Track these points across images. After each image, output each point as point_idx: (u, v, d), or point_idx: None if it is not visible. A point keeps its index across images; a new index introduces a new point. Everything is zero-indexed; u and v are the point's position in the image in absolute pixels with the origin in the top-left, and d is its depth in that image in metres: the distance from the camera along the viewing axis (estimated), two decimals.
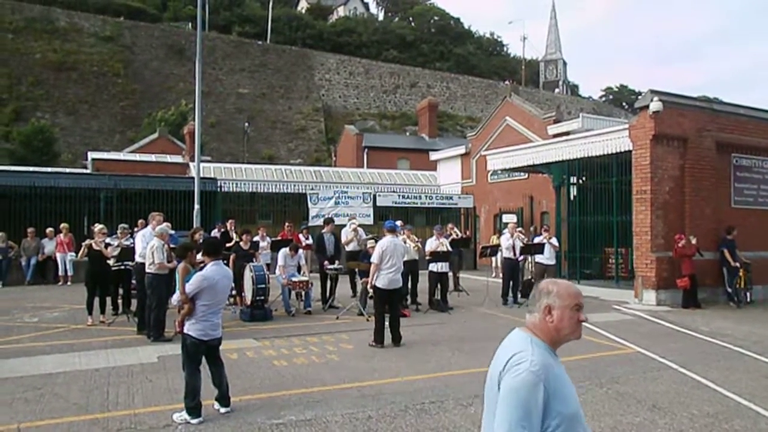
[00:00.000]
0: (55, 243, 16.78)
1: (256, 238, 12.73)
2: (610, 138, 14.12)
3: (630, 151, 13.44)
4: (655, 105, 12.63)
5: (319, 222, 17.07)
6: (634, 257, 13.51)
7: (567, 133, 18.07)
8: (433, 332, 9.74)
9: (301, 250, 12.08)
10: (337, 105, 63.28)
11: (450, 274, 13.08)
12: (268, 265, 12.13)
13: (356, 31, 75.09)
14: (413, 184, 28.24)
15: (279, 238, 13.18)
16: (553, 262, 13.37)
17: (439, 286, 12.06)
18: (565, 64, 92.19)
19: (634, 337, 9.31)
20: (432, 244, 12.25)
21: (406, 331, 8.90)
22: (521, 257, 13.31)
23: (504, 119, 23.76)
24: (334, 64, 65.45)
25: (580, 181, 17.38)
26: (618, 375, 7.01)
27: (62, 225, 16.70)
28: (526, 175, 21.25)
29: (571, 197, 17.39)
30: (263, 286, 10.60)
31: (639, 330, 10.04)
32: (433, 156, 29.41)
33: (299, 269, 11.73)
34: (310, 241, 14.56)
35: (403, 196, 22.91)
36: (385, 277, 8.56)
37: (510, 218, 18.41)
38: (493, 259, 17.69)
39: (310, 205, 20.54)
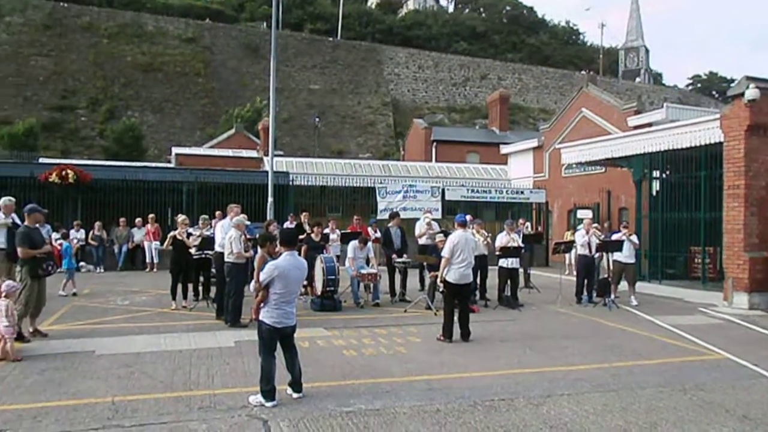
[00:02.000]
0: (143, 232, 17.85)
1: (326, 231, 13.02)
2: (699, 129, 13.37)
3: (721, 143, 12.58)
4: (751, 93, 11.74)
5: (387, 215, 17.20)
6: (723, 257, 12.69)
7: (649, 125, 17.30)
8: (502, 329, 9.63)
9: (370, 243, 12.24)
10: (405, 99, 63.36)
11: (521, 270, 12.87)
12: (338, 256, 12.39)
13: (426, 24, 74.83)
14: (483, 178, 27.88)
15: (348, 230, 13.42)
16: (632, 260, 12.87)
17: (509, 282, 11.87)
18: (647, 51, 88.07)
19: (723, 342, 8.75)
20: (502, 239, 12.09)
21: (475, 327, 8.85)
22: (597, 254, 12.90)
23: (580, 111, 23.05)
24: (403, 58, 65.52)
25: (664, 176, 16.60)
26: (704, 382, 6.63)
27: (149, 216, 17.75)
28: (604, 169, 20.56)
29: (654, 192, 16.63)
30: (333, 277, 10.83)
31: (728, 335, 9.44)
32: (504, 149, 28.91)
33: (368, 261, 11.91)
34: (378, 234, 14.73)
35: (473, 190, 22.69)
36: (456, 272, 8.54)
37: (585, 214, 17.85)
38: (567, 256, 17.24)
39: (378, 198, 20.73)
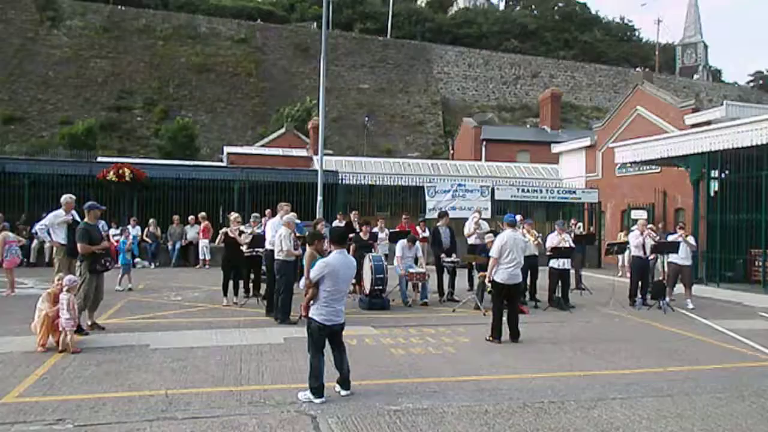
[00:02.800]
0: (197, 229, 18.34)
1: (375, 230, 13.04)
2: (761, 127, 12.79)
3: None
4: None
5: (436, 215, 17.11)
6: None
7: (708, 123, 16.66)
8: (553, 331, 9.44)
9: (418, 242, 12.20)
10: (455, 98, 62.92)
11: (572, 271, 12.58)
12: (386, 255, 12.39)
13: (476, 22, 74.09)
14: (533, 177, 27.41)
15: (397, 229, 13.41)
16: (689, 262, 12.39)
17: (560, 283, 11.66)
18: (705, 47, 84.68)
19: None
20: (553, 239, 11.85)
21: (524, 328, 8.71)
22: (652, 256, 12.48)
23: (635, 109, 22.38)
24: (453, 57, 65.07)
25: (722, 175, 15.93)
26: (763, 389, 6.36)
27: (200, 214, 18.21)
28: (659, 169, 19.90)
29: (712, 192, 16.00)
30: (381, 276, 10.84)
31: None
32: (555, 148, 28.36)
33: (416, 261, 11.86)
34: (426, 233, 14.65)
35: (523, 190, 22.34)
36: (504, 272, 8.42)
37: (640, 214, 17.28)
38: (620, 257, 16.79)
39: (427, 197, 20.66)
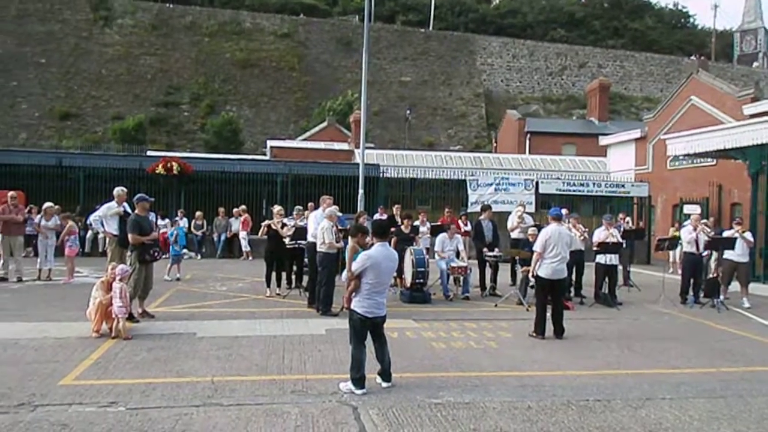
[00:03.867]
0: (240, 222, 18.69)
1: (416, 223, 13.01)
2: None
3: None
4: None
5: (478, 208, 16.96)
6: None
7: None
8: (599, 327, 9.23)
9: (459, 236, 12.10)
10: (498, 89, 62.11)
11: (620, 267, 12.27)
12: (427, 249, 12.34)
13: (521, 11, 72.78)
14: (579, 170, 26.85)
15: (439, 223, 13.33)
16: (746, 259, 11.91)
17: (607, 279, 11.37)
18: (766, 32, 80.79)
19: None
20: (601, 234, 11.58)
21: (569, 324, 8.53)
22: (705, 252, 12.04)
23: (688, 99, 21.61)
24: (497, 48, 64.19)
25: None
26: None
27: (241, 207, 18.56)
28: (714, 162, 19.17)
29: None
30: (423, 269, 10.80)
31: None
32: (603, 141, 27.66)
33: (458, 254, 11.79)
34: (468, 227, 14.52)
35: (569, 183, 21.86)
36: (549, 267, 8.27)
37: (693, 209, 16.66)
38: (671, 253, 16.27)
39: (469, 191, 20.48)
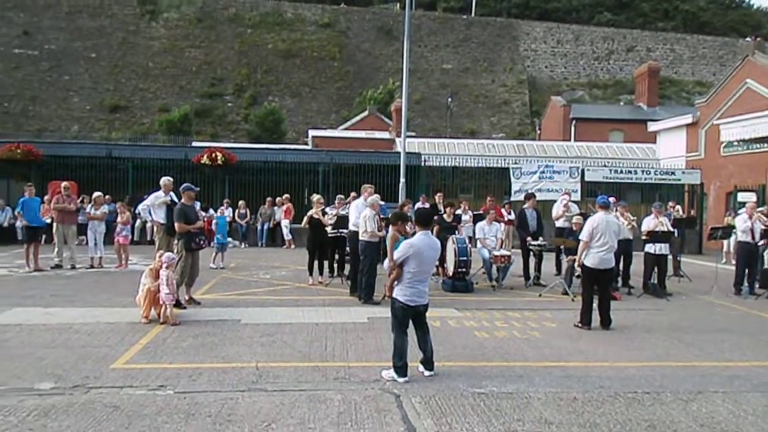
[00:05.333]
0: (282, 211, 18.93)
1: (458, 212, 12.89)
2: None
3: None
4: None
5: (522, 197, 16.69)
6: None
7: None
8: (647, 318, 8.97)
9: (498, 223, 11.93)
10: (542, 76, 60.83)
11: (669, 256, 11.88)
12: (470, 238, 12.23)
13: None
14: (627, 157, 26.11)
15: (481, 211, 13.18)
16: None
17: (656, 269, 11.04)
18: None
19: None
20: (650, 223, 11.23)
21: (616, 315, 8.32)
22: (761, 242, 11.54)
23: (744, 82, 20.72)
24: (541, 33, 62.81)
25: None
26: None
27: (284, 196, 18.76)
28: None
29: None
30: (465, 258, 10.72)
31: None
32: (652, 127, 26.82)
33: (501, 244, 11.64)
34: (512, 216, 14.31)
35: (616, 171, 21.26)
36: (595, 256, 8.06)
37: (748, 197, 16.02)
38: (725, 242, 15.67)
39: (512, 179, 20.17)
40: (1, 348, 6.44)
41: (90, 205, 13.43)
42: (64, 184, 13.05)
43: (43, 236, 13.11)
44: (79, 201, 14.14)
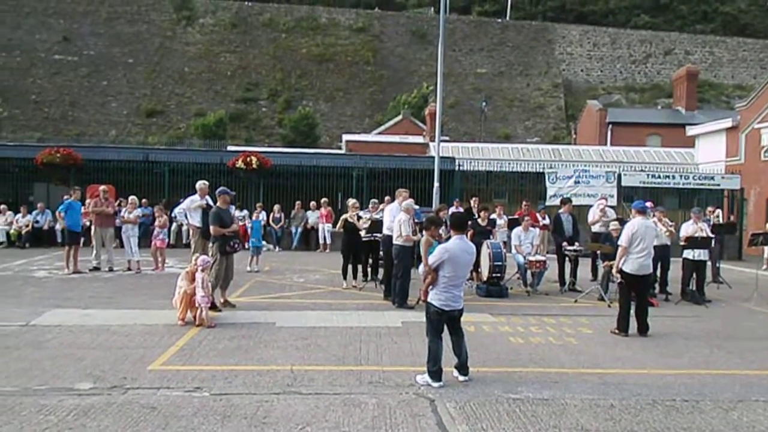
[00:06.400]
0: (317, 215, 19.06)
1: (493, 216, 12.80)
2: None
3: None
4: None
5: (557, 202, 16.49)
6: None
7: None
8: (686, 325, 8.76)
9: (537, 229, 11.79)
10: (578, 79, 60.01)
11: (708, 263, 11.58)
12: (504, 243, 12.12)
13: None
14: (665, 162, 25.54)
15: (516, 216, 13.06)
16: None
17: (695, 275, 10.78)
18: None
19: None
20: (688, 228, 10.97)
21: (654, 322, 8.15)
22: None
23: None
24: (577, 36, 61.99)
25: None
26: None
27: (322, 200, 18.89)
28: None
29: None
30: (500, 263, 10.62)
31: None
32: (691, 131, 26.20)
33: (535, 249, 11.52)
34: (547, 221, 14.15)
35: (653, 176, 20.81)
36: (634, 262, 7.91)
37: None
38: (766, 249, 15.20)
39: (547, 184, 19.92)
40: (41, 348, 6.61)
41: (124, 209, 13.66)
42: (102, 187, 13.33)
43: (82, 239, 13.43)
44: (116, 204, 14.45)
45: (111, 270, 12.77)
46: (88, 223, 13.05)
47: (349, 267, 11.40)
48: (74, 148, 20.38)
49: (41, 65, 54.42)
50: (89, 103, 53.11)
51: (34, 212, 18.07)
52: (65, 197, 15.53)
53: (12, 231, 17.44)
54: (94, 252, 12.94)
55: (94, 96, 53.64)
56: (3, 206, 17.96)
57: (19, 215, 17.78)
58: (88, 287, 10.80)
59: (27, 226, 17.57)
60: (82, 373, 5.74)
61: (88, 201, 13.25)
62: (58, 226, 17.05)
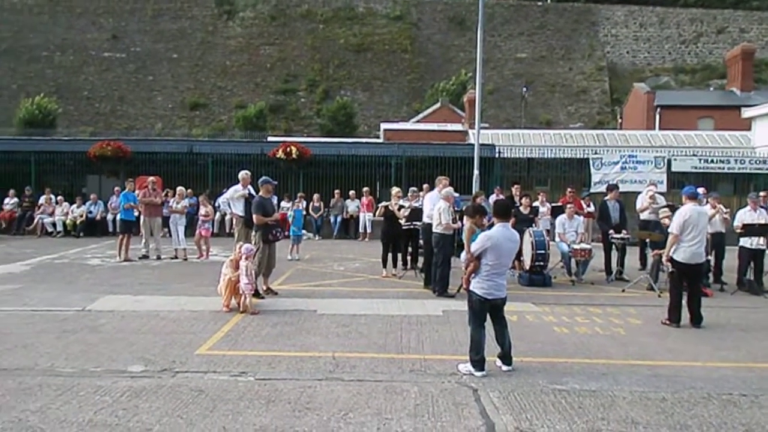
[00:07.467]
0: (357, 204, 19.10)
1: (535, 203, 12.55)
2: None
3: None
4: None
5: (602, 188, 16.04)
6: None
7: None
8: (742, 316, 8.40)
9: (581, 217, 11.49)
10: (624, 62, 58.24)
11: (767, 251, 11.07)
12: (547, 231, 11.87)
13: None
14: (718, 146, 24.50)
15: (559, 203, 12.77)
16: None
17: (752, 264, 10.31)
18: None
19: None
20: (745, 215, 10.51)
21: (707, 313, 7.83)
22: None
23: None
24: (622, 17, 60.09)
25: None
26: None
27: (364, 189, 18.93)
28: None
29: None
30: (543, 252, 10.40)
31: None
32: (747, 113, 25.00)
33: (580, 238, 11.24)
34: (591, 208, 13.81)
35: (706, 160, 20.02)
36: (687, 250, 7.60)
37: None
38: None
39: (592, 170, 19.42)
40: (97, 332, 6.86)
41: (173, 199, 14.06)
42: (150, 178, 13.74)
43: (134, 228, 13.86)
44: (163, 195, 14.83)
45: (159, 258, 13.11)
46: (137, 213, 13.47)
47: (389, 255, 11.36)
48: (123, 141, 20.97)
49: (92, 63, 56.25)
50: (136, 98, 54.62)
51: (87, 203, 18.73)
52: (117, 189, 16.15)
53: (68, 221, 18.16)
54: (143, 241, 13.32)
55: (140, 91, 55.13)
56: (60, 197, 18.72)
57: (74, 206, 18.50)
58: (138, 274, 11.10)
59: (81, 216, 18.24)
60: (135, 356, 5.92)
61: (137, 192, 13.63)
62: (109, 216, 18.13)
